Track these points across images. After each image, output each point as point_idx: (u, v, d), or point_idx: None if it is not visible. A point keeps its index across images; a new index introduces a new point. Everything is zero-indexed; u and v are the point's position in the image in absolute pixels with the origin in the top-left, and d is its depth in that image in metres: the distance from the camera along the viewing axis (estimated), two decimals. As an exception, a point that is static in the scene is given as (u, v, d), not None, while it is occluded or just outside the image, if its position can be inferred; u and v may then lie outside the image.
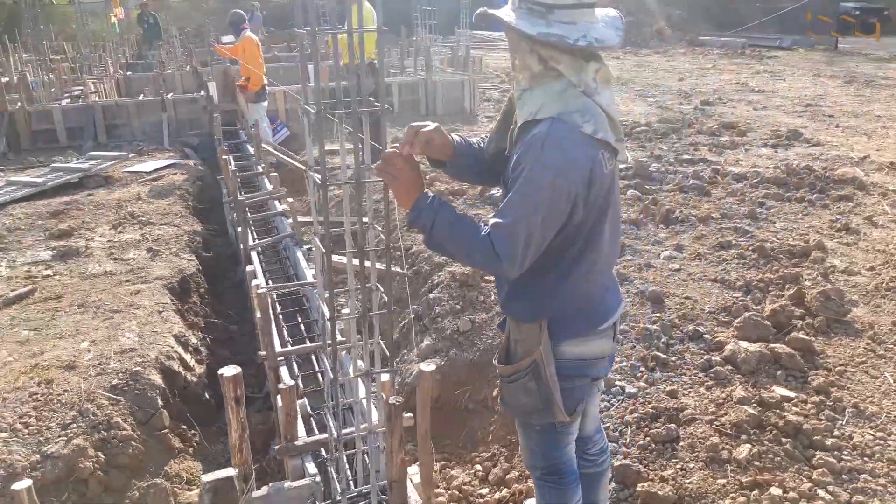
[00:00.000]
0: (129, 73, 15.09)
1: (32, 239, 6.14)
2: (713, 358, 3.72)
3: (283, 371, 3.51)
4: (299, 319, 4.56)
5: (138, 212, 6.78)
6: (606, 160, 1.97)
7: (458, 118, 11.38)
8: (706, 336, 3.93)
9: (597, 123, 1.93)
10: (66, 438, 3.39)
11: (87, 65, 14.77)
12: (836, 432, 3.13)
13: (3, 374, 3.87)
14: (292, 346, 3.91)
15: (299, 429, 2.97)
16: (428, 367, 2.38)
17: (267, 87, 9.99)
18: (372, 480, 2.45)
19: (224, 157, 6.32)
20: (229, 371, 2.48)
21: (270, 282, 5.12)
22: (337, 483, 2.48)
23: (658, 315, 4.19)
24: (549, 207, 1.91)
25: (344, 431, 2.55)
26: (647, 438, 3.21)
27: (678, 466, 3.03)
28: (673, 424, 3.24)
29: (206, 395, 4.41)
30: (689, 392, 3.51)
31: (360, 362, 3.00)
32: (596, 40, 1.91)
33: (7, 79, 11.84)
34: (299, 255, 4.98)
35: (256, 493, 2.64)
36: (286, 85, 11.40)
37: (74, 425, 3.49)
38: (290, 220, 5.67)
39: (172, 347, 4.31)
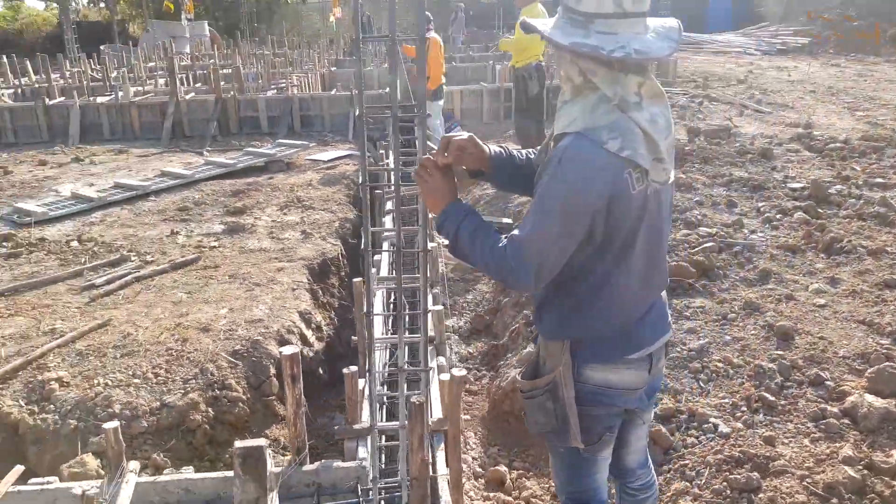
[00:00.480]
0: (333, 68, 16.38)
1: (212, 213, 6.94)
2: (829, 409, 3.30)
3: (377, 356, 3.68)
4: (406, 310, 4.73)
5: (304, 197, 7.39)
6: (635, 180, 1.84)
7: (635, 124, 10.95)
8: (829, 383, 3.50)
9: (624, 141, 1.81)
10: (183, 391, 3.84)
11: (299, 60, 16.26)
12: (958, 516, 2.67)
13: (151, 329, 4.45)
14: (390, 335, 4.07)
15: (364, 413, 3.11)
16: (459, 372, 2.39)
17: (444, 87, 10.35)
18: (402, 474, 2.53)
19: (381, 150, 6.68)
20: (288, 350, 2.67)
21: (393, 272, 5.34)
22: (372, 470, 2.59)
23: (780, 353, 3.80)
24: (562, 222, 1.84)
25: (388, 425, 2.65)
26: (724, 483, 2.95)
27: (749, 520, 2.76)
28: (757, 473, 2.94)
29: (321, 371, 4.74)
30: (790, 442, 3.16)
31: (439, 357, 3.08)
32: (636, 52, 1.78)
33: (229, 70, 13.40)
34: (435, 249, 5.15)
35: (306, 467, 2.83)
36: (472, 84, 11.76)
37: (194, 381, 3.94)
38: (432, 216, 5.88)
39: (294, 323, 4.68)
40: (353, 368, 2.95)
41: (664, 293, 2.20)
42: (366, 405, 3.18)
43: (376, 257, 5.01)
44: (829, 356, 3.75)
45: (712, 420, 3.36)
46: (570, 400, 2.04)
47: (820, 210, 6.14)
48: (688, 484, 3.02)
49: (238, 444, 2.30)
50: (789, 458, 3.03)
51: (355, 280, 3.69)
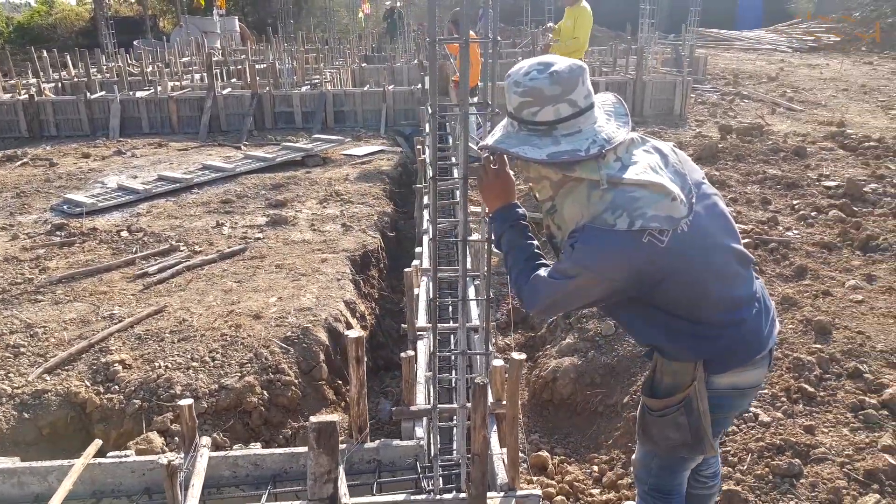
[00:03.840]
0: (364, 64, 16.56)
1: (254, 206, 7.14)
2: (868, 400, 3.40)
3: (421, 344, 3.83)
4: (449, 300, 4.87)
5: (342, 191, 7.57)
6: (658, 236, 1.86)
7: (666, 120, 11.03)
8: (867, 376, 3.58)
9: (630, 213, 1.84)
10: (240, 375, 4.02)
11: (330, 56, 16.46)
12: None
13: (205, 316, 4.64)
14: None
15: (419, 396, 3.27)
16: (519, 356, 2.53)
17: (479, 84, 10.47)
18: (461, 451, 2.67)
19: (418, 146, 6.83)
20: (353, 334, 2.83)
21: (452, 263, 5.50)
22: (431, 448, 2.73)
23: (819, 346, 3.89)
24: (575, 292, 1.95)
25: (447, 406, 2.80)
26: (767, 469, 3.06)
27: (792, 502, 2.87)
28: (798, 460, 3.05)
29: (366, 358, 4.89)
30: (829, 431, 3.26)
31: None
32: (606, 141, 1.89)
33: (263, 66, 13.63)
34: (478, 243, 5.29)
35: (368, 445, 2.99)
36: (499, 81, 11.84)
37: (249, 365, 4.11)
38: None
39: (341, 312, 4.84)
40: (411, 353, 3.10)
41: (761, 281, 2.19)
42: (420, 388, 3.33)
43: (417, 249, 5.16)
44: (867, 350, 3.83)
45: (753, 410, 3.46)
46: (706, 411, 2.06)
47: (855, 208, 6.18)
48: (730, 469, 3.13)
49: (313, 419, 2.45)
50: (829, 447, 3.13)
51: (406, 270, 3.84)
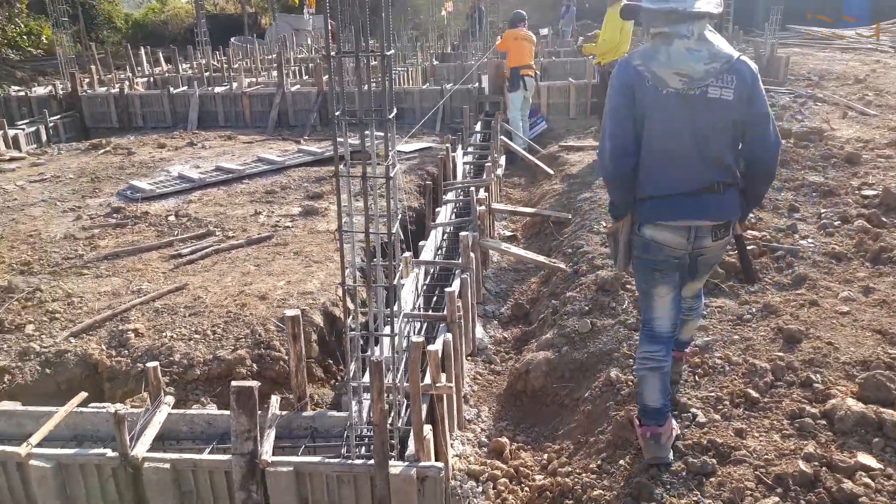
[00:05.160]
0: (437, 62, 16.93)
1: (294, 197, 7.62)
2: (809, 409, 3.40)
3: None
4: (436, 292, 5.13)
5: (379, 185, 7.93)
6: (648, 78, 2.77)
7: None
8: (817, 385, 3.58)
9: (643, 59, 2.79)
10: (234, 348, 4.44)
11: (402, 53, 16.93)
12: (900, 516, 2.76)
13: (219, 294, 5.11)
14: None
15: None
16: (417, 339, 2.78)
17: (528, 79, 10.51)
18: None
19: (447, 144, 7.09)
20: (290, 313, 3.15)
21: (439, 257, 5.76)
22: (350, 418, 3.02)
23: (781, 354, 3.90)
24: (611, 103, 2.92)
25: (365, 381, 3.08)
26: (683, 466, 3.16)
27: (694, 499, 2.97)
28: (714, 460, 3.14)
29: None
30: (760, 436, 3.31)
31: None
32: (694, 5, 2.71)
33: (335, 63, 14.23)
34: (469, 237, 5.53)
35: (305, 413, 3.31)
36: (569, 80, 11.92)
37: (244, 340, 4.53)
38: (483, 208, 6.27)
39: (340, 297, 5.19)
40: (353, 334, 3.39)
41: (728, 195, 2.92)
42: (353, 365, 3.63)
43: (421, 243, 5.45)
44: (830, 361, 3.81)
45: (692, 410, 3.54)
46: (626, 242, 3.05)
47: (885, 219, 5.95)
48: (651, 464, 3.25)
49: (234, 383, 2.79)
50: (753, 450, 3.18)
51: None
